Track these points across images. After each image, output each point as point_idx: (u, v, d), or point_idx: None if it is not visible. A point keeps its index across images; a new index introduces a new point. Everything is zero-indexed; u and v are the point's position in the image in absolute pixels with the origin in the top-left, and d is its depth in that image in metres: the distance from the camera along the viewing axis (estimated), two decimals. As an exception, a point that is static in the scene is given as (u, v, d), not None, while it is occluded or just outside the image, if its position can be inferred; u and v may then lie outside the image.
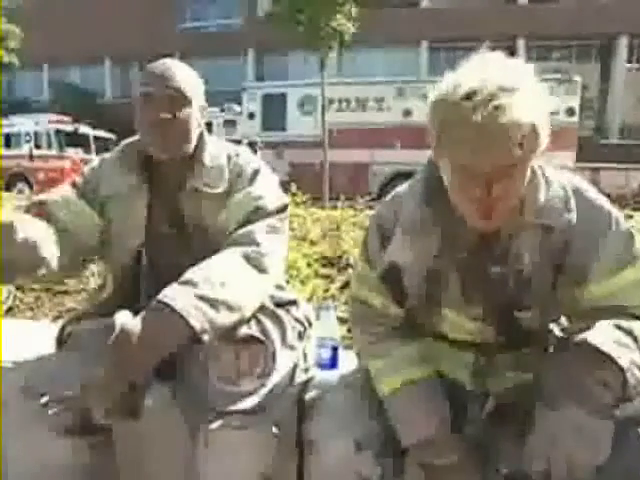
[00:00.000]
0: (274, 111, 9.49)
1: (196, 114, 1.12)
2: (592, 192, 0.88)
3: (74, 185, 1.17)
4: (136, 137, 1.17)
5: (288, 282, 2.14)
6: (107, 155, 1.23)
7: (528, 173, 0.79)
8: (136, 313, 0.93)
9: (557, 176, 0.88)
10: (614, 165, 8.87)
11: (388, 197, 1.00)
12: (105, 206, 1.15)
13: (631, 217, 3.58)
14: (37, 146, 10.69)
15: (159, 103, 1.06)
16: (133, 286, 1.16)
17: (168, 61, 1.10)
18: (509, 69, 0.74)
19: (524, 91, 0.72)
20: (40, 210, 1.05)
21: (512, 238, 0.86)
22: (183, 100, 1.08)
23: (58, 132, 10.76)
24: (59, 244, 1.03)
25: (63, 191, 1.15)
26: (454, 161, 0.76)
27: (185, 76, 1.10)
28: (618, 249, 0.84)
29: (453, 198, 0.82)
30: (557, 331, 0.99)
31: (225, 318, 0.97)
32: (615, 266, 0.83)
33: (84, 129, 11.25)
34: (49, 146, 10.71)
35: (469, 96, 0.72)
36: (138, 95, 1.08)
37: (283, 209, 1.14)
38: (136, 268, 1.15)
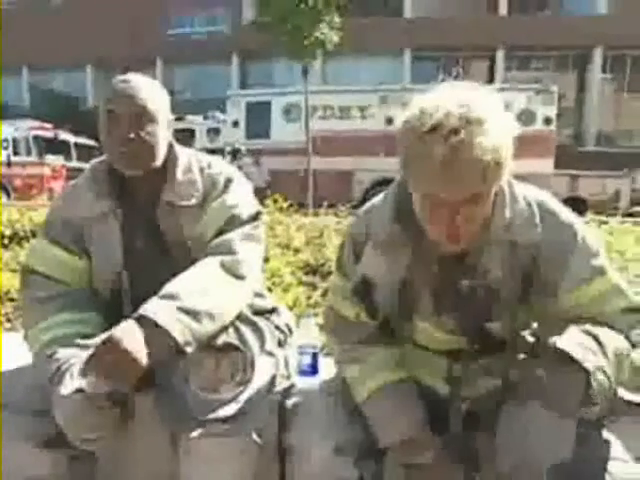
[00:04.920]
0: (258, 119, 9.46)
1: (163, 129, 1.11)
2: (559, 208, 0.90)
3: (48, 235, 1.12)
4: (104, 156, 1.15)
5: (271, 290, 2.15)
6: (76, 182, 1.19)
7: (496, 189, 0.82)
8: None
9: (524, 192, 0.90)
10: (591, 172, 9.08)
11: (361, 210, 1.02)
12: (80, 238, 1.12)
13: (606, 223, 3.70)
14: (16, 152, 10.45)
15: (124, 122, 1.05)
16: (115, 301, 1.14)
17: (132, 77, 1.09)
18: (475, 101, 0.76)
19: (488, 124, 0.74)
20: None
21: (480, 253, 0.89)
22: (148, 118, 1.07)
23: (37, 138, 10.52)
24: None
25: (46, 252, 1.11)
26: (418, 190, 0.79)
27: (150, 92, 1.08)
28: (585, 263, 0.87)
29: (420, 218, 0.84)
30: (529, 337, 1.02)
31: (207, 328, 0.98)
32: (583, 279, 0.87)
33: (65, 136, 11.04)
34: (28, 153, 10.48)
35: (433, 128, 0.73)
36: (102, 112, 1.06)
37: (257, 216, 1.16)
38: (118, 284, 1.14)
